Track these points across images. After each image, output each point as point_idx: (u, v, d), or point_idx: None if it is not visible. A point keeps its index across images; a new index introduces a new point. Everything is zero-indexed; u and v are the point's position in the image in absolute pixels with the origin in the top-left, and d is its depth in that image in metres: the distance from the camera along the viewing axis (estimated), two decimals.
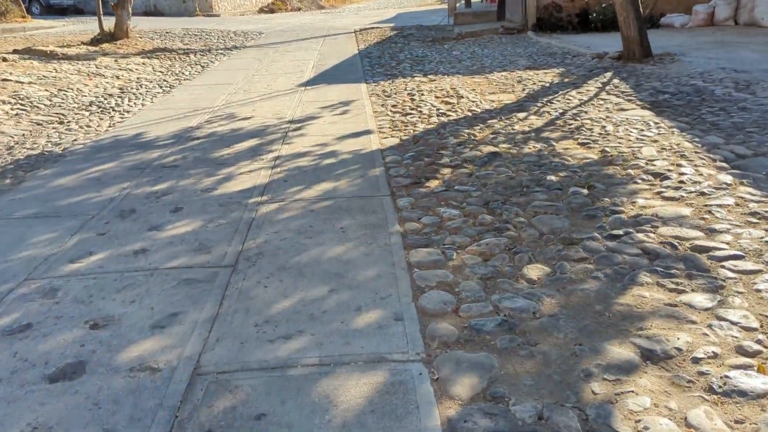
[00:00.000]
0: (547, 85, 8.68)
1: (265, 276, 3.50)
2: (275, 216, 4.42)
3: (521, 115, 7.10)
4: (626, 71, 9.05)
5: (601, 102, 7.36)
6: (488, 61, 11.53)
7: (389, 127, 7.06)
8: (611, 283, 3.19)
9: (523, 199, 4.44)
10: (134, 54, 14.98)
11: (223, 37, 19.39)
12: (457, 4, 26.22)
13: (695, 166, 4.86)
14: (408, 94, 8.88)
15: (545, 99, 7.79)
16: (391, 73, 11.05)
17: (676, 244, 3.56)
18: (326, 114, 7.90)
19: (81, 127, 7.79)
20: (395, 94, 8.98)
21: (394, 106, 8.16)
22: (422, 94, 8.71)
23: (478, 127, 6.64)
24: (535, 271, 3.39)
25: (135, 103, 9.29)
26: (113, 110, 8.81)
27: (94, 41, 15.87)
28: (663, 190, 4.40)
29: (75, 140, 7.12)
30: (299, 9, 36.85)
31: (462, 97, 8.33)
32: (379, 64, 12.33)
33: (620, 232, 3.75)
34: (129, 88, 10.57)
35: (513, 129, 6.49)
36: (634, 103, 7.15)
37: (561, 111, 7.07)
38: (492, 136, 6.26)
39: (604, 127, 6.23)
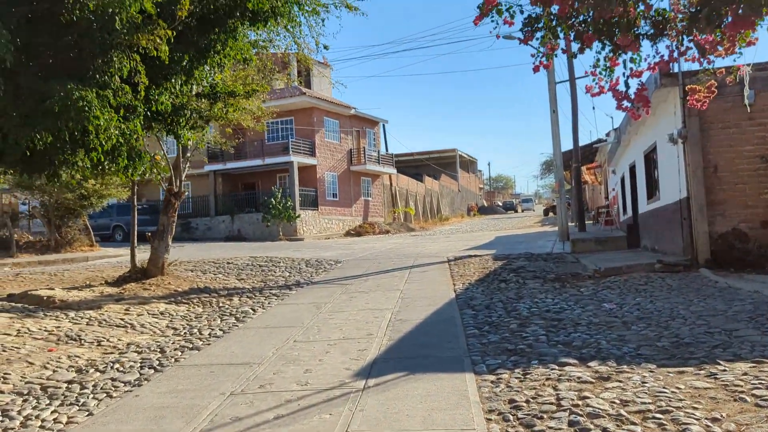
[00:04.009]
0: None
1: None
2: None
3: None
4: None
5: None
6: (683, 329, 6.75)
7: None
8: None
9: None
10: (160, 297, 11.42)
11: (291, 267, 15.94)
12: (569, 225, 22.28)
13: None
14: (573, 427, 4.17)
15: None
16: (516, 349, 6.47)
17: None
18: None
19: None
20: (545, 427, 4.28)
21: None
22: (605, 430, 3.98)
23: None
24: None
25: (55, 420, 5.09)
26: None
27: (120, 280, 12.62)
28: None
29: None
30: (387, 231, 34.44)
31: None
32: (489, 324, 7.86)
33: None
34: (91, 371, 6.53)
35: None
36: None
37: None
38: None
39: None
